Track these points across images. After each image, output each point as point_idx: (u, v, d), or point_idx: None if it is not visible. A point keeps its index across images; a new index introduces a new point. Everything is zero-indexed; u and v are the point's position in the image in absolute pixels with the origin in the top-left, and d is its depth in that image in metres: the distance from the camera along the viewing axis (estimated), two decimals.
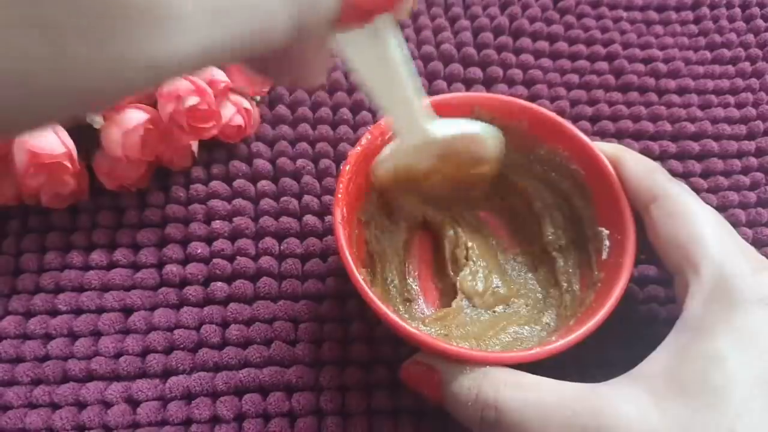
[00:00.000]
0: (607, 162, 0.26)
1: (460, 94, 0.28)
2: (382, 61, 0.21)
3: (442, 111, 0.27)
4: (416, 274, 0.29)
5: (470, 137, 0.26)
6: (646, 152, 0.33)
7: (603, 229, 0.26)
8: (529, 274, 0.29)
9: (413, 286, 0.29)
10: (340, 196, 0.25)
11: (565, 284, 0.28)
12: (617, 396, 0.20)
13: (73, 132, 0.28)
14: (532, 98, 0.35)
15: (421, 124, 0.25)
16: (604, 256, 0.25)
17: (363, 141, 0.26)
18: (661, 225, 0.23)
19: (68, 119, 0.13)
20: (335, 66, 0.36)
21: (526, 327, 0.27)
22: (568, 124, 0.27)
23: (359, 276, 0.23)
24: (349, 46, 0.20)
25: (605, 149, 0.26)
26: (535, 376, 0.22)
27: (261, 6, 0.14)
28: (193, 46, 0.13)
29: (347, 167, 0.26)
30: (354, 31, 0.17)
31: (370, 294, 0.23)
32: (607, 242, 0.26)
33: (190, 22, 0.12)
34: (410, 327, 0.22)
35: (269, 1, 0.14)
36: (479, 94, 0.31)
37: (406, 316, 0.28)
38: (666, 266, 0.23)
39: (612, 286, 0.23)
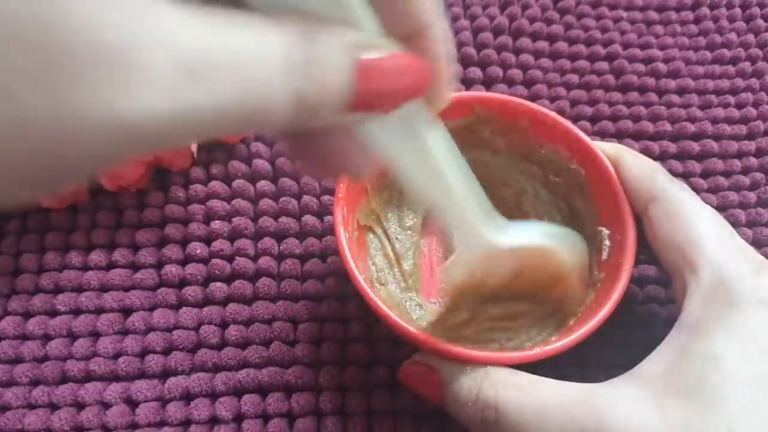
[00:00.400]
0: (607, 162, 0.26)
1: (458, 94, 0.28)
2: (420, 156, 0.18)
3: (445, 111, 0.27)
4: (419, 273, 0.29)
5: (545, 251, 0.24)
6: (646, 152, 0.33)
7: (603, 228, 0.26)
8: None
9: (414, 285, 0.29)
10: (340, 195, 0.25)
11: None
12: (616, 397, 0.20)
13: None
14: (532, 98, 0.35)
15: (479, 229, 0.21)
16: (604, 256, 0.25)
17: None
18: (660, 226, 0.23)
19: (25, 198, 0.11)
20: None
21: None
22: (568, 124, 0.27)
23: (360, 277, 0.23)
24: (378, 135, 0.17)
25: (605, 149, 0.26)
26: (535, 376, 0.22)
27: (255, 75, 0.12)
28: (164, 105, 0.11)
29: None
30: (381, 119, 0.15)
31: (371, 294, 0.22)
32: (607, 242, 0.26)
33: (161, 76, 0.10)
34: (411, 328, 0.22)
35: (266, 71, 0.12)
36: (478, 93, 0.31)
37: (411, 315, 0.28)
38: (665, 267, 0.23)
39: (612, 286, 0.23)
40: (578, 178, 0.27)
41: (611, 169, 0.25)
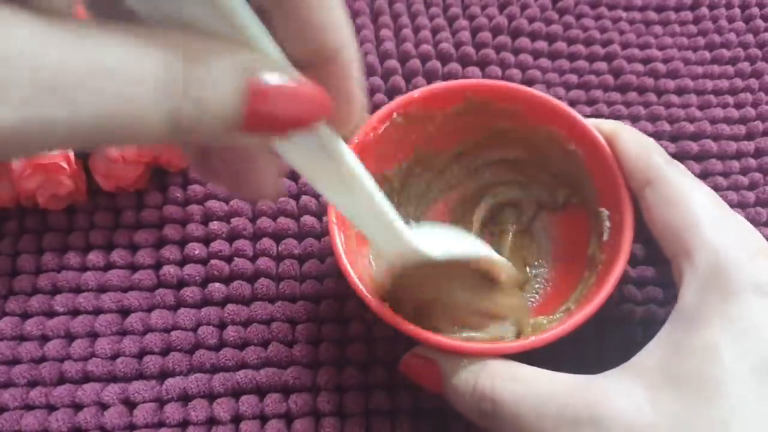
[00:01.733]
0: (603, 141, 0.25)
1: (451, 82, 0.28)
2: (334, 175, 0.17)
3: (434, 101, 0.27)
4: None
5: (481, 260, 0.24)
6: None
7: (604, 210, 0.26)
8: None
9: None
10: None
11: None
12: (611, 388, 0.20)
13: None
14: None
15: (402, 238, 0.20)
16: (605, 237, 0.25)
17: (355, 138, 0.26)
18: (656, 210, 0.23)
19: None
20: None
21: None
22: (562, 105, 0.27)
23: (354, 275, 0.23)
24: (287, 153, 0.16)
25: (601, 127, 0.26)
26: (531, 367, 0.22)
27: (121, 92, 0.11)
28: (11, 116, 0.11)
29: None
30: (278, 140, 0.14)
31: (364, 291, 0.23)
32: (607, 223, 0.25)
33: (15, 91, 0.10)
34: (403, 322, 0.22)
35: (134, 89, 0.12)
36: (471, 80, 0.31)
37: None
38: (663, 252, 0.23)
39: (610, 268, 0.23)
40: (577, 159, 0.27)
41: (608, 149, 0.25)
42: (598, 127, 0.26)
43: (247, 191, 0.17)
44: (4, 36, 0.10)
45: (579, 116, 0.26)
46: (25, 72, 0.10)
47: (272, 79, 0.13)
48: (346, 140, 0.17)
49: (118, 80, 0.11)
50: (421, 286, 0.25)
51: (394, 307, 0.23)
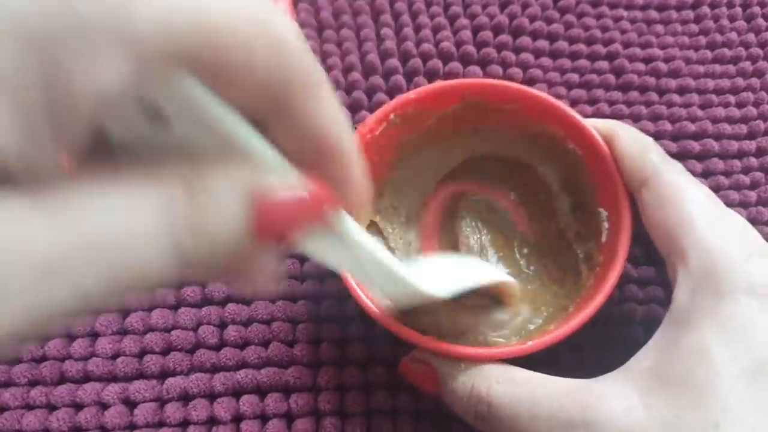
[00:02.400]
0: (601, 141, 0.25)
1: (448, 82, 0.28)
2: (346, 256, 0.18)
3: (431, 101, 0.27)
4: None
5: (485, 288, 0.24)
6: None
7: (602, 210, 0.26)
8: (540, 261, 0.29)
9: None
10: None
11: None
12: (606, 391, 0.20)
13: None
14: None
15: (417, 290, 0.21)
16: (603, 238, 0.25)
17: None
18: (651, 210, 0.23)
19: None
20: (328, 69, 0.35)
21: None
22: (560, 104, 0.26)
23: (353, 280, 0.23)
24: (302, 246, 0.16)
25: (599, 126, 0.25)
26: (527, 370, 0.22)
27: (128, 251, 0.11)
28: (17, 317, 0.10)
29: None
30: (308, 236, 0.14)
31: (362, 296, 0.23)
32: (606, 224, 0.25)
33: (16, 286, 0.10)
34: (402, 328, 0.22)
35: (140, 242, 0.11)
36: (468, 80, 0.31)
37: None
38: (659, 252, 0.23)
39: (608, 270, 0.23)
40: (575, 159, 0.27)
41: (606, 148, 0.25)
42: (596, 126, 0.26)
43: (244, 286, 0.16)
44: None
45: (577, 115, 0.26)
46: (21, 263, 0.10)
47: (275, 190, 0.13)
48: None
49: (119, 242, 0.11)
50: (425, 314, 0.25)
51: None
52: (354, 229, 0.17)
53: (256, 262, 0.15)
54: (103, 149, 0.13)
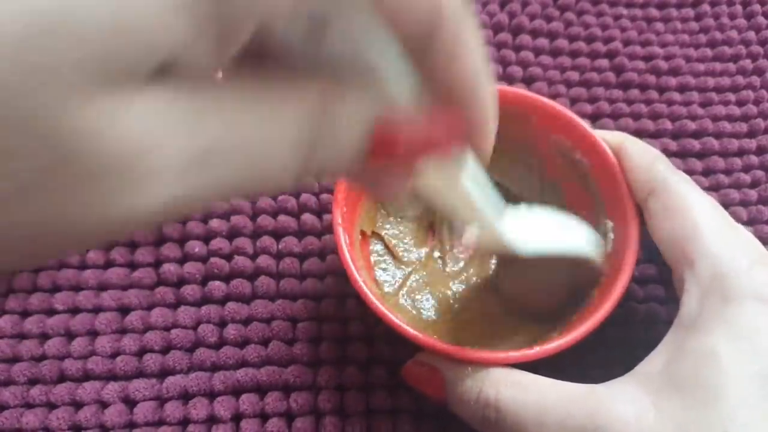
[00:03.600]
0: (609, 152, 0.25)
1: None
2: (452, 190, 0.18)
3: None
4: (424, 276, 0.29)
5: (569, 260, 0.24)
6: None
7: (608, 221, 0.26)
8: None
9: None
10: (340, 196, 0.25)
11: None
12: (615, 396, 0.20)
13: None
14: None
15: (505, 238, 0.21)
16: (609, 248, 0.25)
17: None
18: (658, 219, 0.23)
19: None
20: None
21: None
22: (570, 114, 0.26)
23: (359, 279, 0.23)
24: (422, 189, 0.18)
25: (608, 138, 0.26)
26: (535, 375, 0.22)
27: (263, 157, 0.12)
28: (165, 196, 0.11)
29: None
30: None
31: (371, 297, 0.22)
32: (611, 235, 0.25)
33: (167, 174, 0.11)
34: (411, 330, 0.22)
35: (275, 151, 0.12)
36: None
37: (414, 312, 0.28)
38: (666, 261, 0.23)
39: (614, 281, 0.23)
40: (583, 169, 0.27)
41: (614, 159, 0.25)
42: (605, 138, 0.26)
43: (380, 195, 0.18)
44: (151, 121, 0.10)
45: (586, 125, 0.26)
46: (175, 156, 0.11)
47: (401, 122, 0.14)
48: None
49: (256, 150, 0.12)
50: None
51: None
52: (473, 169, 0.17)
53: (382, 175, 0.16)
54: (254, 53, 0.13)
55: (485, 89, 0.16)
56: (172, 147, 0.10)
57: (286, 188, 0.13)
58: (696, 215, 0.22)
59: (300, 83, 0.13)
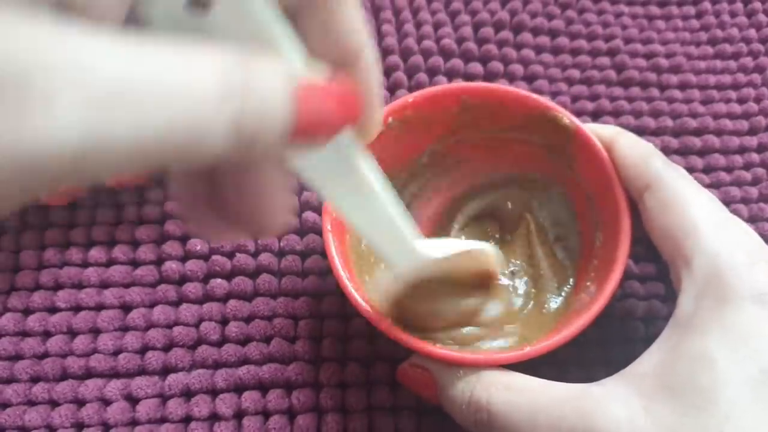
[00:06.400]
0: (599, 145, 0.25)
1: (446, 86, 0.28)
2: (351, 185, 0.17)
3: (430, 105, 0.27)
4: None
5: (471, 253, 0.24)
6: None
7: (598, 219, 0.26)
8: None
9: None
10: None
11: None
12: (607, 397, 0.20)
13: None
14: (534, 93, 0.35)
15: (412, 247, 0.21)
16: (597, 243, 0.25)
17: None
18: (654, 216, 0.22)
19: None
20: None
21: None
22: (558, 109, 0.26)
23: (349, 285, 0.23)
24: (308, 168, 0.16)
25: (600, 132, 0.25)
26: (527, 376, 0.21)
27: (185, 104, 0.11)
28: (72, 136, 0.10)
29: None
30: (313, 151, 0.14)
31: (360, 301, 0.23)
32: (599, 234, 0.25)
33: (70, 107, 0.10)
34: (401, 333, 0.22)
35: (197, 99, 0.11)
36: (466, 84, 0.31)
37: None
38: (663, 257, 0.23)
39: (605, 279, 0.23)
40: (572, 163, 0.27)
41: (604, 153, 0.25)
42: (597, 132, 0.25)
43: (257, 221, 0.16)
44: (55, 48, 0.10)
45: (578, 122, 0.26)
46: (81, 86, 0.10)
47: (315, 82, 0.13)
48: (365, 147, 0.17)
49: (180, 90, 0.11)
50: (420, 300, 0.25)
51: (397, 319, 0.24)
52: (365, 157, 0.17)
53: (270, 190, 0.15)
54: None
55: (369, 48, 0.16)
56: (75, 77, 0.10)
57: (221, 152, 0.12)
58: (694, 210, 0.22)
59: (209, 45, 0.12)
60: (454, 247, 0.24)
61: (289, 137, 0.13)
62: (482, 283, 0.26)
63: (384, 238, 0.20)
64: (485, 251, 0.25)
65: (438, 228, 0.30)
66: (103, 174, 0.11)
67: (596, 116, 0.34)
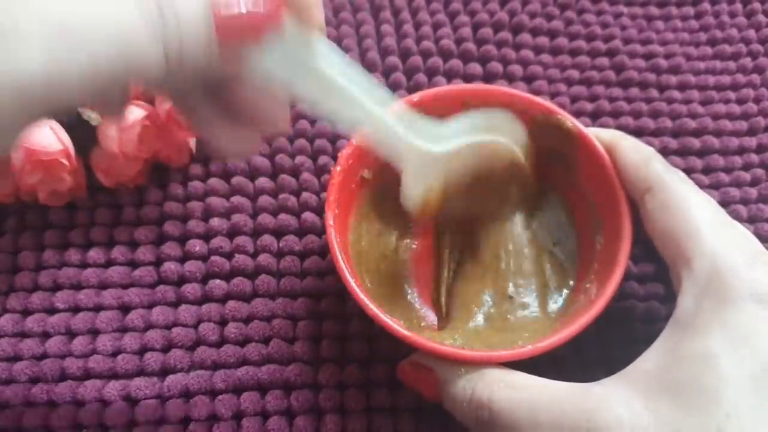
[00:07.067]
0: (601, 148, 0.25)
1: (450, 87, 0.28)
2: (318, 79, 0.18)
3: (433, 106, 0.27)
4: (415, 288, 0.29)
5: (488, 144, 0.25)
6: None
7: (600, 220, 0.26)
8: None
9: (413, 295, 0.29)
10: (331, 198, 0.25)
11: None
12: (608, 396, 0.20)
13: (70, 129, 0.28)
14: (532, 94, 0.35)
15: (409, 140, 0.21)
16: (599, 246, 0.25)
17: (353, 140, 0.26)
18: (655, 217, 0.23)
19: None
20: None
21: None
22: (561, 112, 0.26)
23: (352, 280, 0.23)
24: (267, 68, 0.17)
25: (601, 135, 0.26)
26: (529, 375, 0.21)
27: (119, 32, 0.14)
28: (39, 63, 0.13)
29: (337, 168, 0.25)
30: (269, 49, 0.16)
31: (363, 297, 0.23)
32: (600, 237, 0.25)
33: (34, 37, 0.13)
34: (402, 329, 0.22)
35: (128, 28, 0.14)
36: (470, 86, 0.31)
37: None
38: (664, 260, 0.23)
39: (607, 279, 0.23)
40: (576, 168, 0.27)
41: (606, 156, 0.25)
42: (598, 136, 0.26)
43: (263, 118, 0.19)
44: None
45: (580, 125, 0.26)
46: (39, 21, 0.13)
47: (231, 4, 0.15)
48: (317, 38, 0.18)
49: (116, 23, 0.14)
50: (458, 206, 0.25)
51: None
52: (317, 44, 0.18)
53: (267, 96, 0.18)
54: None
55: None
56: (35, 14, 0.13)
57: (160, 72, 0.15)
58: (694, 213, 0.22)
59: None
60: (461, 140, 0.24)
61: (214, 41, 0.15)
62: (512, 170, 0.26)
63: (371, 127, 0.21)
64: (498, 140, 0.25)
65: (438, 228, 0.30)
66: (65, 102, 0.14)
67: (595, 117, 0.34)
